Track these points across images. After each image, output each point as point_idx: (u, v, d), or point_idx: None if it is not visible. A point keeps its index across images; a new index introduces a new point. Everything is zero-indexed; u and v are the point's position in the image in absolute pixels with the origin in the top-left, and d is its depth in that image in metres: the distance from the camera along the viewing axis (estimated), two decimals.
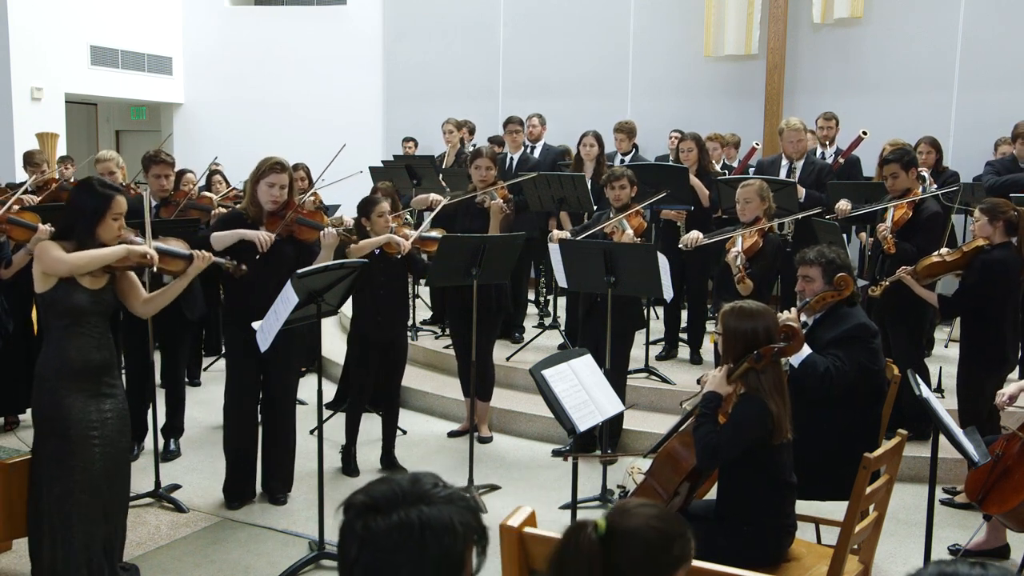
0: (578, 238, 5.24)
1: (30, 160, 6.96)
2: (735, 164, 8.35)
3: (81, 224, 3.40)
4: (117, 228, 3.46)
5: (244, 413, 4.63)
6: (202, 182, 7.46)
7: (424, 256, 5.16)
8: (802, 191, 6.06)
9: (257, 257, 4.35)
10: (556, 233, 5.47)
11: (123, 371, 5.44)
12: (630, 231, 5.25)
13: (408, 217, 7.13)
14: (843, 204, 5.69)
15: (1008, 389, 4.08)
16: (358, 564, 1.39)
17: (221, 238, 4.35)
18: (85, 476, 3.38)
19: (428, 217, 5.76)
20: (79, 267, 3.33)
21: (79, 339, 3.39)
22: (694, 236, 5.42)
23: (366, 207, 4.94)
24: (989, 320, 4.65)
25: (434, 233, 5.12)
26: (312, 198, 5.51)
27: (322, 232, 4.46)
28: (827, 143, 7.54)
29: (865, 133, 7.14)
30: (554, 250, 5.01)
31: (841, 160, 7.19)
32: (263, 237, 4.35)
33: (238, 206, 4.65)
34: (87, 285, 3.41)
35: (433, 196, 6.26)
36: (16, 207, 5.10)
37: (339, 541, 1.45)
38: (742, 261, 4.87)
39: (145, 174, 5.48)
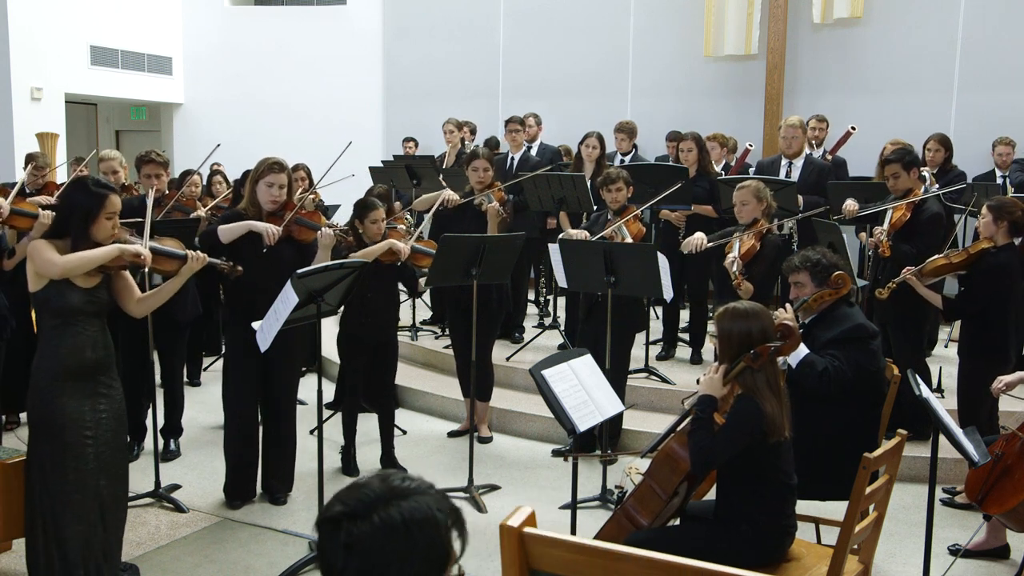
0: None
1: (35, 161, 6.87)
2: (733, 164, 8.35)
3: (75, 223, 3.39)
4: (111, 227, 3.45)
5: (245, 413, 4.63)
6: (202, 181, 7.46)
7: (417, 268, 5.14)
8: (801, 200, 6.04)
9: (263, 251, 4.36)
10: (571, 232, 5.35)
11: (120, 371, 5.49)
12: (629, 238, 5.23)
13: (408, 217, 7.13)
14: (850, 204, 5.55)
15: (1007, 377, 4.08)
16: (347, 572, 1.37)
17: (229, 230, 4.37)
18: (78, 476, 3.37)
19: (427, 218, 5.70)
20: (71, 269, 3.32)
21: (73, 338, 3.37)
22: (698, 240, 5.20)
23: (362, 211, 4.94)
24: (991, 321, 4.65)
25: (428, 249, 5.06)
26: (312, 197, 5.50)
27: (319, 232, 4.46)
28: (815, 144, 7.55)
29: (854, 128, 7.12)
30: (554, 250, 4.99)
31: (829, 157, 7.18)
32: (271, 230, 4.37)
33: (239, 206, 4.65)
34: (80, 284, 3.40)
35: (447, 193, 5.77)
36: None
37: (321, 555, 1.40)
38: (739, 267, 4.82)
39: (138, 173, 5.48)
